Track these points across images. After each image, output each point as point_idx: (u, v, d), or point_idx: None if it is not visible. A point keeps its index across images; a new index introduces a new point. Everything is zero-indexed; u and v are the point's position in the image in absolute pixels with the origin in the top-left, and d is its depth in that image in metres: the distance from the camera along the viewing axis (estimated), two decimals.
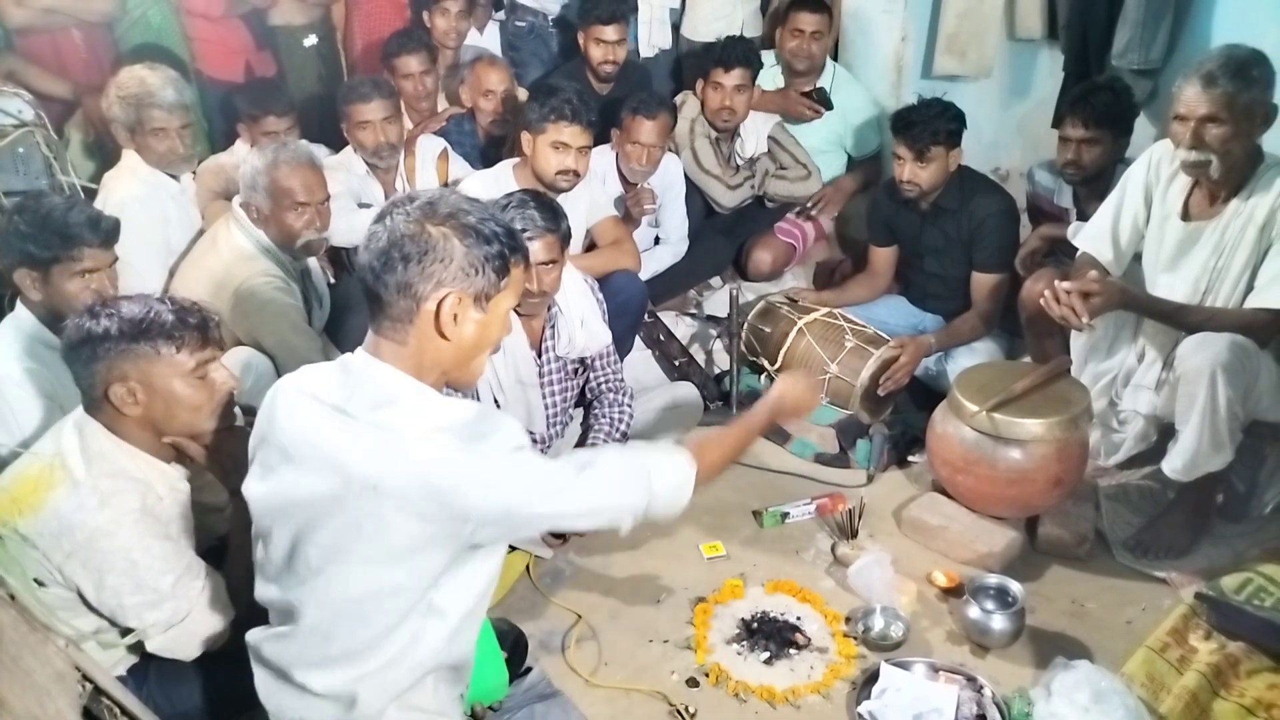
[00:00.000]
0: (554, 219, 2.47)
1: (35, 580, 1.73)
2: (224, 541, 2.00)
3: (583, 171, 3.00)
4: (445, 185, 3.41)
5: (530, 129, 2.97)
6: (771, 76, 3.93)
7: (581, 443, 2.79)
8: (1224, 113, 2.26)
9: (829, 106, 3.75)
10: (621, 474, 1.63)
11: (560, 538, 2.58)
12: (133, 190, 2.87)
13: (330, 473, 1.45)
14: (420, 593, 1.51)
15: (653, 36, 4.09)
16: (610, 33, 3.66)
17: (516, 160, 3.08)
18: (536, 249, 2.43)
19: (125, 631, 1.84)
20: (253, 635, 1.65)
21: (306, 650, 1.56)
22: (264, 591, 1.64)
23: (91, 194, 2.93)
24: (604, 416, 2.77)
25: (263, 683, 1.64)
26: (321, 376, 1.54)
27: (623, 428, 2.78)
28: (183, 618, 1.79)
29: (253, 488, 1.59)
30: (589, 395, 2.84)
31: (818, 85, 3.87)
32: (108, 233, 2.29)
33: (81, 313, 1.80)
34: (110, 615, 1.78)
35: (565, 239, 2.52)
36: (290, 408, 1.53)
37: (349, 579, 1.49)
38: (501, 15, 4.19)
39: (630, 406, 2.82)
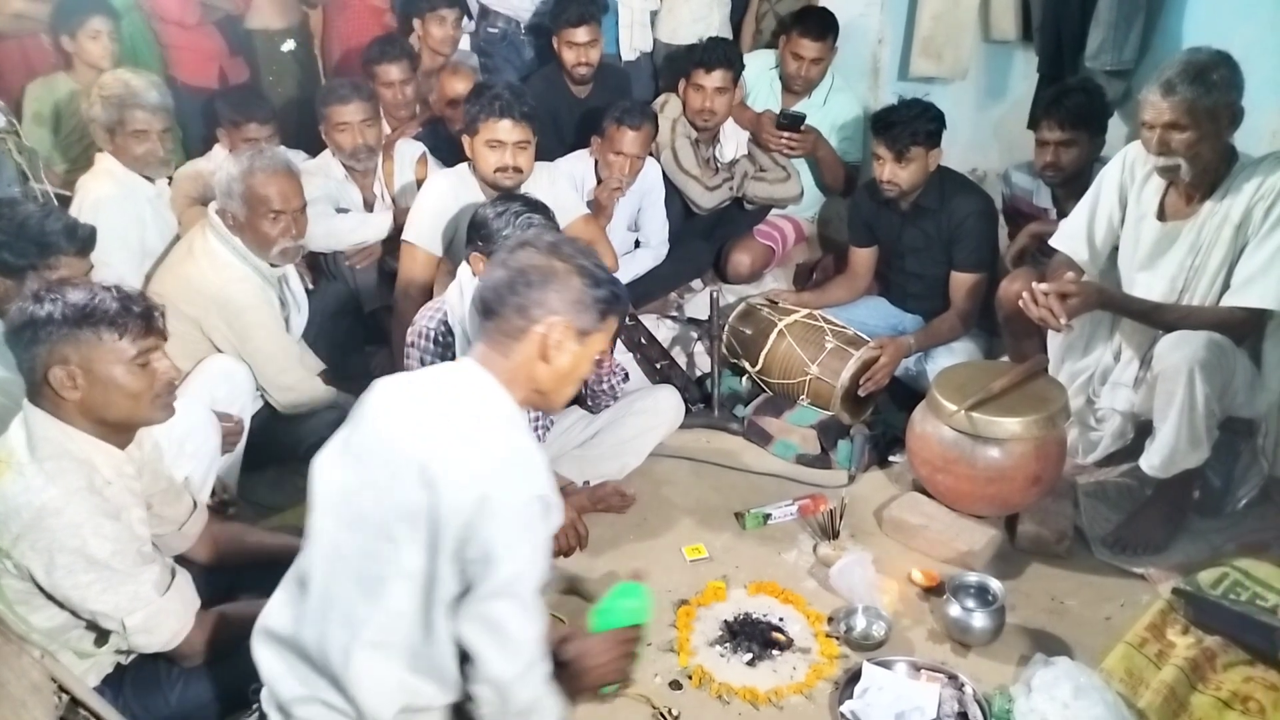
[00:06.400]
0: (553, 218, 2.50)
1: None
2: (181, 560, 2.00)
3: (524, 168, 2.92)
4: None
5: (467, 130, 2.93)
6: (769, 80, 3.93)
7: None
8: (1185, 119, 2.28)
9: (798, 128, 3.74)
10: (543, 676, 1.55)
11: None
12: (108, 190, 2.86)
13: (417, 481, 1.47)
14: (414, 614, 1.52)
15: (634, 40, 4.08)
16: (581, 34, 3.64)
17: None
18: None
19: (100, 633, 1.82)
20: (274, 620, 1.62)
21: (348, 634, 1.54)
22: (301, 567, 1.62)
23: (65, 201, 2.91)
24: (602, 382, 2.77)
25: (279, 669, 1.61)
26: (428, 381, 1.63)
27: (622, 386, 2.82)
28: (146, 604, 1.77)
29: (328, 470, 1.59)
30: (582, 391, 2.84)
31: (793, 107, 3.87)
32: (84, 241, 2.28)
33: (26, 296, 1.78)
34: (66, 600, 1.75)
35: None
36: (388, 407, 1.58)
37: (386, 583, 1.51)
38: (472, 25, 4.17)
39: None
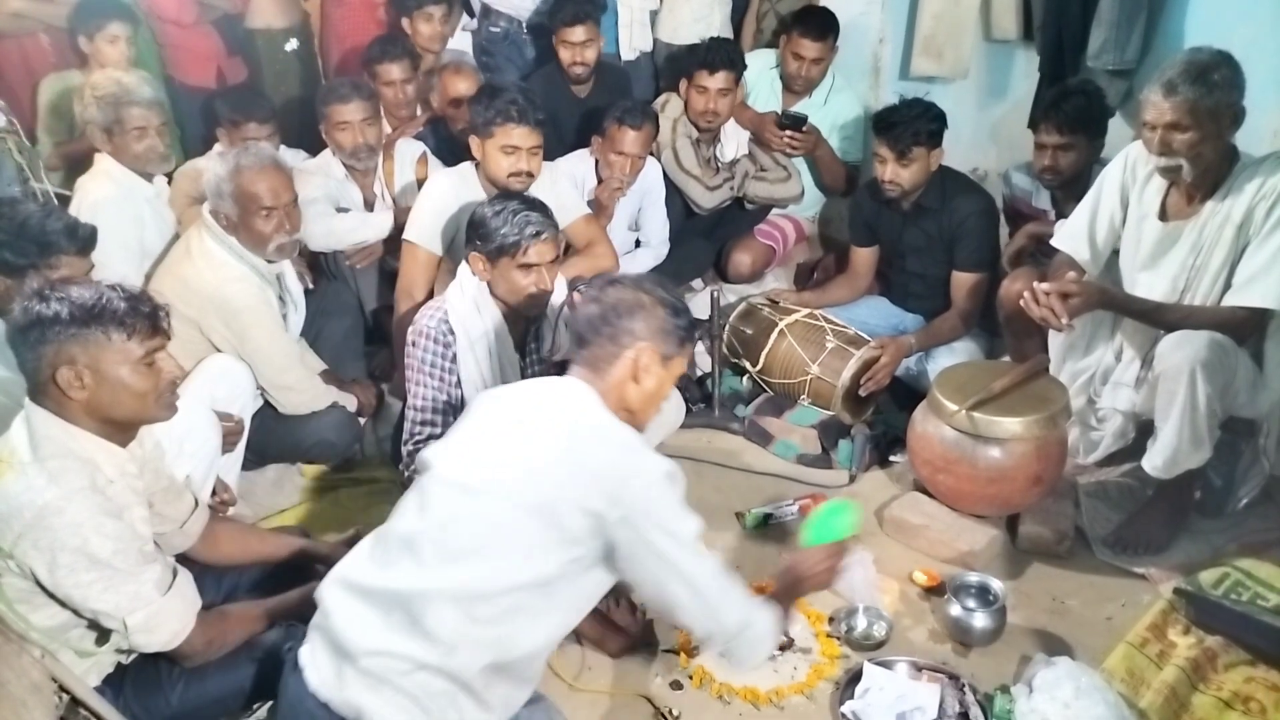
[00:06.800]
0: (551, 216, 2.50)
1: None
2: (181, 559, 2.00)
3: (535, 172, 2.94)
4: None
5: (478, 133, 2.91)
6: (770, 80, 3.93)
7: None
8: (1187, 119, 2.27)
9: (800, 128, 3.74)
10: (739, 595, 1.75)
11: None
12: (107, 191, 2.85)
13: (550, 473, 1.64)
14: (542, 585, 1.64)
15: (634, 39, 4.07)
16: (578, 34, 3.63)
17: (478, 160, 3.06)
18: (544, 249, 2.44)
19: (101, 633, 1.82)
20: (363, 574, 1.68)
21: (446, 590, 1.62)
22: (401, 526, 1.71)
23: (64, 200, 2.90)
24: None
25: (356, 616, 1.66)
26: (539, 389, 1.85)
27: None
28: (147, 603, 1.77)
29: (442, 452, 1.75)
30: None
31: (794, 107, 3.86)
32: (85, 240, 2.27)
33: (30, 296, 1.77)
34: (67, 599, 1.74)
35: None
36: (507, 410, 1.77)
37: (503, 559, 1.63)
38: (474, 24, 4.16)
39: None
